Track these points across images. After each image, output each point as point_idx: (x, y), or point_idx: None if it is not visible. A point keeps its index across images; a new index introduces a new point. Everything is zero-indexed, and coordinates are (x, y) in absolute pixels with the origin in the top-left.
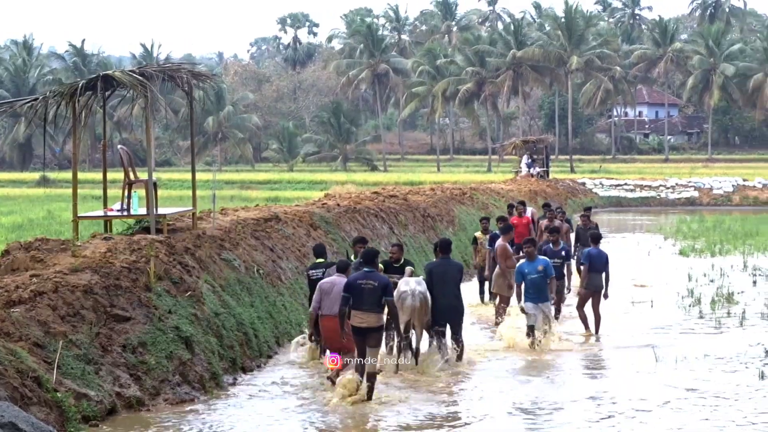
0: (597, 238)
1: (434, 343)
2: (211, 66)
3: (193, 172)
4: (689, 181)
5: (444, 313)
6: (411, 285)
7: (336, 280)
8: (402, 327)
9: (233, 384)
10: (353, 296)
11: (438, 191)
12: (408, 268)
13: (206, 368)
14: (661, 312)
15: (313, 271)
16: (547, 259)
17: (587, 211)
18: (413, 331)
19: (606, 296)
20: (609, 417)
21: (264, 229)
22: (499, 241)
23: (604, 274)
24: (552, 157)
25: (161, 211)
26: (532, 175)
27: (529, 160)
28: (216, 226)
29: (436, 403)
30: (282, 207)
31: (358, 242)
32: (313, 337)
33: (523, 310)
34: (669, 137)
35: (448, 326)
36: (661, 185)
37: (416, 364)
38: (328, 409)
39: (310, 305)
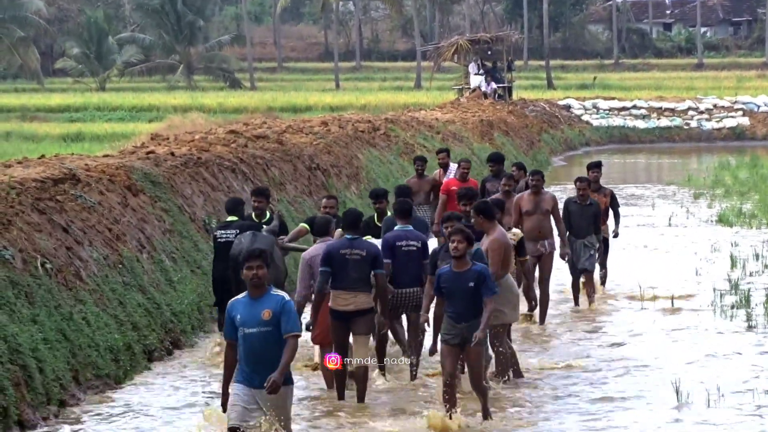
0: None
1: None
2: None
3: None
4: (735, 101)
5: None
6: None
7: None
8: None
9: None
10: (334, 271)
11: (334, 126)
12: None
13: None
14: (687, 318)
15: (222, 231)
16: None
17: (595, 170)
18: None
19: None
20: None
21: (54, 196)
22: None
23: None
24: (518, 63)
25: None
26: (486, 95)
27: (482, 71)
28: None
29: None
30: (83, 158)
31: (256, 194)
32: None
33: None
34: (704, 29)
35: None
36: (690, 108)
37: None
38: None
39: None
